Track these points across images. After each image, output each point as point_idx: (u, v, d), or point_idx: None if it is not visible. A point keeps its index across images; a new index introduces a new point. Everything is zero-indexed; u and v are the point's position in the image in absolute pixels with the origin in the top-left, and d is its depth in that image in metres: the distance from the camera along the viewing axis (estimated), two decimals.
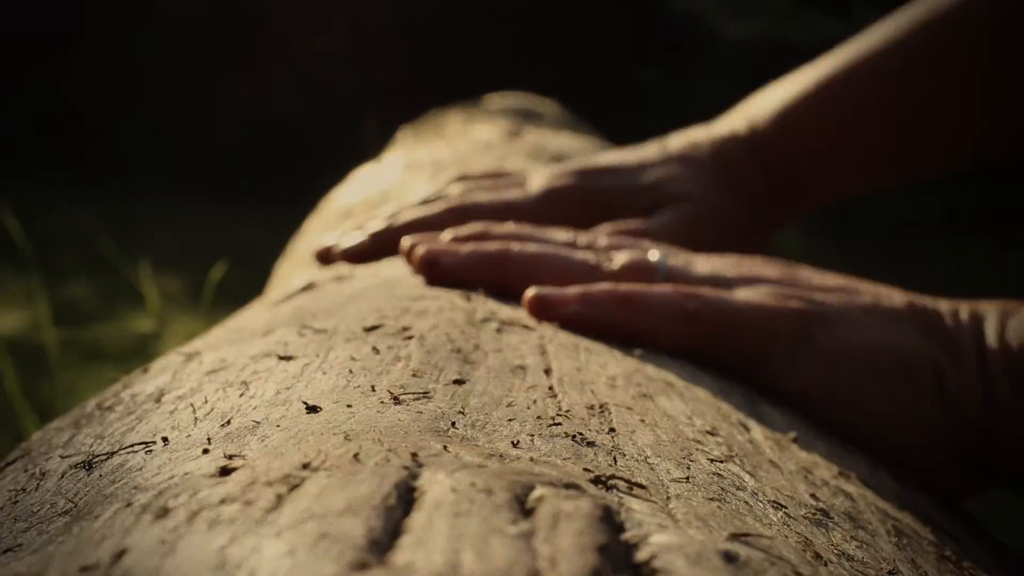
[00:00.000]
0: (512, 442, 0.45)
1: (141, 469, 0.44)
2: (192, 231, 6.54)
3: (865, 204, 7.14)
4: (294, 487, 0.36)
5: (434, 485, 0.36)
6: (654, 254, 0.81)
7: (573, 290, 0.74)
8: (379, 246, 0.91)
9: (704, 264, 0.81)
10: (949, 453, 0.75)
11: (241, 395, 0.53)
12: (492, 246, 0.80)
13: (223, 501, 0.35)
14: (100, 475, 0.46)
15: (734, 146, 1.06)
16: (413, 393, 0.51)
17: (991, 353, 0.74)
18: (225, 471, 0.39)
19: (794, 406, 0.74)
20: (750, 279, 0.79)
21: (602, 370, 0.61)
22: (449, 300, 0.71)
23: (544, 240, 0.84)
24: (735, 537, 0.38)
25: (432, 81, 7.19)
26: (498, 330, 0.66)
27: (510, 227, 0.87)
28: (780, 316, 0.75)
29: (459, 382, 0.54)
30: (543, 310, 0.72)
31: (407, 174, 1.46)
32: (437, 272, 0.78)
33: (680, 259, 0.82)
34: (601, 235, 0.88)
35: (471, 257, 0.79)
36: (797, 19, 7.52)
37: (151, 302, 1.99)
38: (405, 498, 0.35)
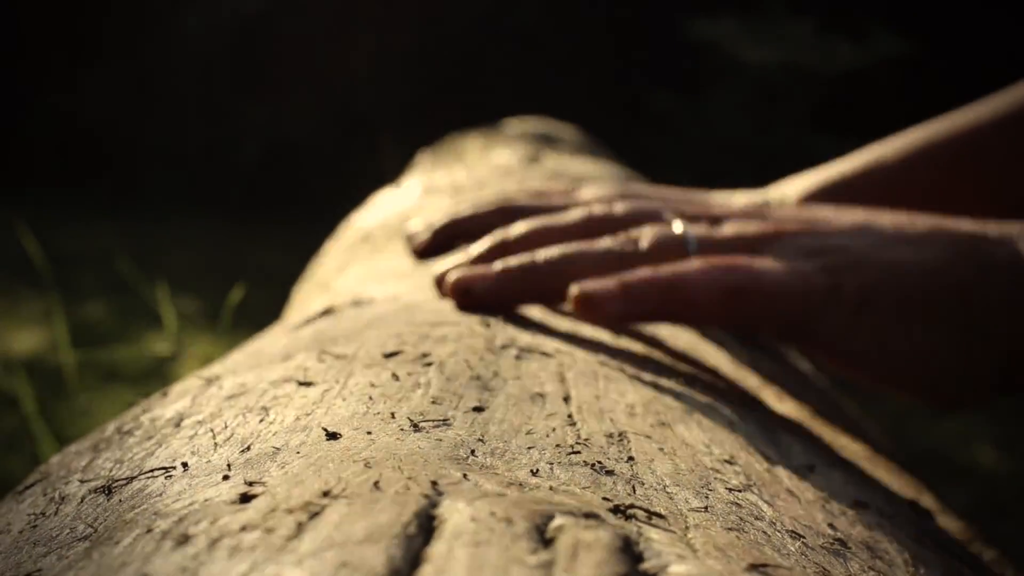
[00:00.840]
0: (531, 470, 0.46)
1: (161, 495, 0.44)
2: (210, 253, 6.55)
3: None
4: (314, 515, 0.36)
5: (454, 514, 0.36)
6: (678, 226, 0.80)
7: (613, 285, 0.73)
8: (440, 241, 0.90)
9: (728, 226, 0.80)
10: (968, 377, 0.75)
11: (261, 421, 0.53)
12: (517, 260, 0.79)
13: (244, 528, 0.35)
14: (120, 500, 0.46)
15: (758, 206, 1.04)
16: (433, 420, 0.51)
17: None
18: (245, 498, 0.39)
19: (829, 365, 0.76)
20: (772, 235, 0.78)
21: (621, 398, 0.61)
22: (468, 326, 0.71)
23: (562, 229, 0.83)
24: (754, 567, 0.38)
25: (451, 105, 7.21)
26: (517, 357, 0.66)
27: (521, 227, 0.85)
28: (810, 277, 0.74)
29: (479, 409, 0.54)
30: (589, 309, 0.73)
31: (426, 198, 1.47)
32: (473, 300, 0.77)
33: (702, 226, 0.80)
34: (616, 204, 0.86)
35: (502, 277, 0.78)
36: (815, 46, 7.52)
37: (168, 323, 1.99)
38: (425, 527, 0.35)
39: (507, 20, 8.29)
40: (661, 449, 0.53)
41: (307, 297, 1.39)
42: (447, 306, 0.79)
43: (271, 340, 0.79)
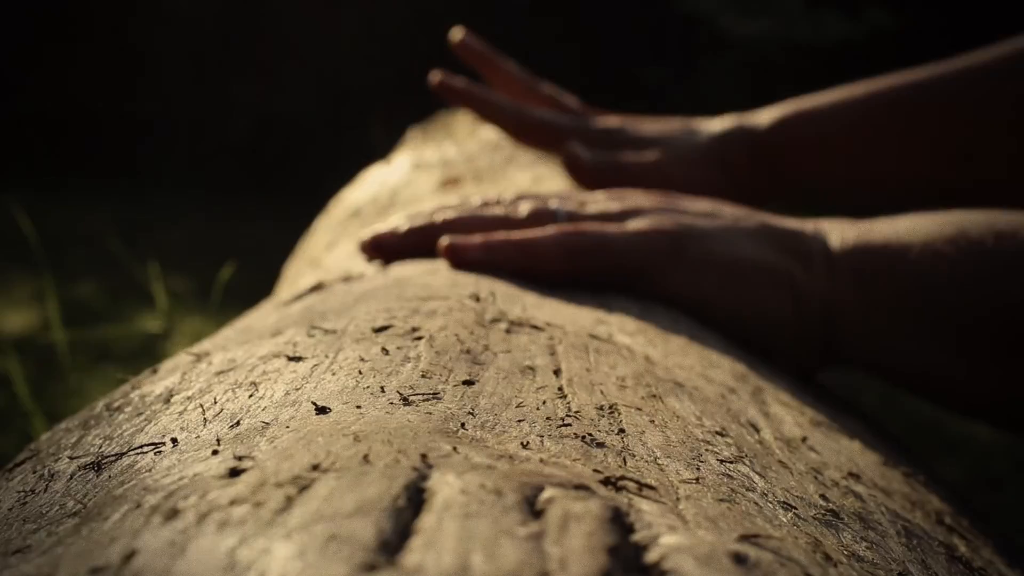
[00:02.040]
0: (522, 443, 0.45)
1: (151, 470, 0.44)
2: (201, 231, 6.54)
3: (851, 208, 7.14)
4: (304, 488, 0.36)
5: (444, 486, 0.36)
6: (553, 202, 0.95)
7: (477, 238, 0.86)
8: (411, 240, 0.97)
9: (594, 205, 0.95)
10: (797, 340, 0.89)
11: (250, 396, 0.53)
12: (420, 222, 0.93)
13: (233, 502, 0.35)
14: (109, 476, 0.46)
15: (733, 127, 1.23)
16: (423, 394, 0.51)
17: (835, 254, 0.90)
18: (235, 472, 0.39)
19: (670, 307, 0.87)
20: (633, 211, 0.92)
21: (611, 370, 0.61)
22: (459, 300, 0.71)
23: (467, 207, 0.97)
24: (745, 538, 0.38)
25: None
26: (507, 331, 0.66)
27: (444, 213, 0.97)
28: (656, 236, 0.89)
29: (469, 383, 0.54)
30: (453, 256, 0.85)
31: (415, 174, 1.46)
32: (381, 251, 0.92)
33: (573, 203, 0.95)
34: (525, 198, 1.00)
35: (407, 234, 0.92)
36: (806, 19, 7.50)
37: (160, 302, 1.99)
38: (415, 499, 0.35)
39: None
40: (652, 421, 0.53)
41: (298, 273, 1.39)
42: (437, 281, 0.79)
43: (261, 316, 0.78)
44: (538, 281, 0.83)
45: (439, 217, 0.93)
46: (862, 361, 0.91)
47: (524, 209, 0.94)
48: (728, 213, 0.94)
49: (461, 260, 0.84)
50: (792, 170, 1.20)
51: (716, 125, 1.24)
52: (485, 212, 0.95)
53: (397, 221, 0.96)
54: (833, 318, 0.89)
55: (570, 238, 0.87)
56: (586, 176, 1.17)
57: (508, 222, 0.93)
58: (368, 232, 0.95)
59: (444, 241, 0.86)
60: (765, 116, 1.22)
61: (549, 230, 0.88)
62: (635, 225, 0.89)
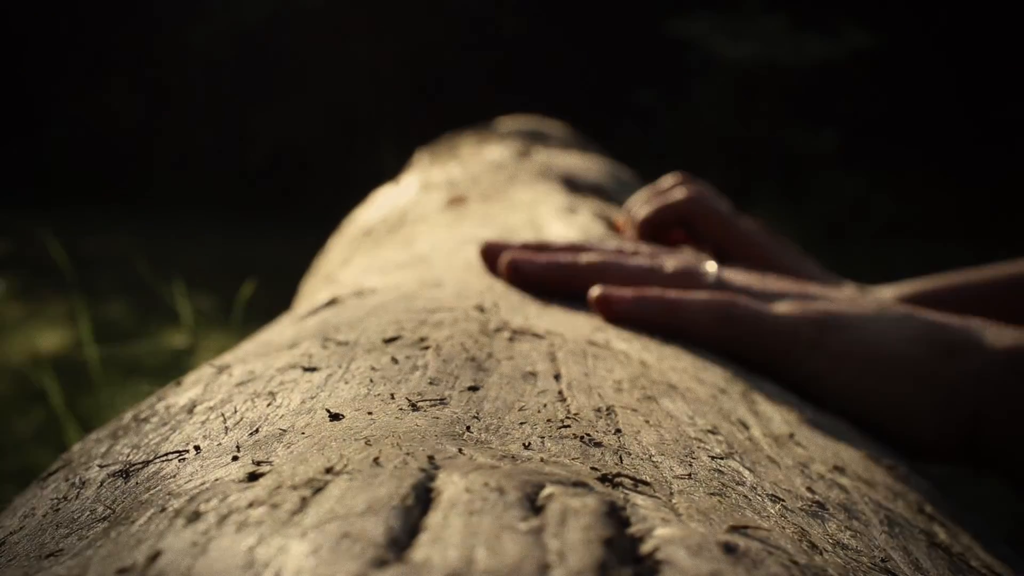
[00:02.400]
0: (524, 444, 0.46)
1: (175, 476, 0.44)
2: (222, 251, 6.55)
3: (859, 210, 7.15)
4: (318, 490, 0.36)
5: (449, 486, 0.36)
6: (704, 266, 0.91)
7: (629, 292, 0.82)
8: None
9: (742, 278, 0.91)
10: (935, 434, 0.84)
11: (268, 405, 0.53)
12: (564, 258, 0.88)
13: (251, 504, 0.35)
14: (136, 483, 0.46)
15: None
16: (430, 400, 0.51)
17: (988, 353, 0.83)
18: (253, 476, 0.39)
19: (809, 396, 0.82)
20: (778, 293, 0.88)
21: (608, 374, 0.61)
22: (464, 311, 0.71)
23: (607, 251, 0.94)
24: (734, 529, 0.38)
25: (446, 105, 7.20)
26: (510, 339, 0.66)
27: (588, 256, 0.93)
28: (800, 323, 0.84)
29: (473, 388, 0.54)
30: (605, 307, 0.81)
31: (423, 194, 1.47)
32: (520, 277, 0.87)
33: (724, 272, 0.91)
34: (664, 249, 0.98)
35: (548, 265, 0.87)
36: (790, 41, 7.51)
37: (185, 319, 1.99)
38: (422, 498, 0.35)
39: (496, 25, 8.29)
40: (647, 421, 0.53)
41: (314, 289, 1.39)
42: (444, 294, 0.79)
43: (278, 330, 0.79)
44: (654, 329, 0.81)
45: (584, 259, 0.89)
46: (1004, 467, 0.85)
47: (670, 266, 0.91)
48: (871, 303, 0.90)
49: (612, 312, 0.81)
50: None
51: (847, 290, 1.21)
52: (629, 261, 0.91)
53: (528, 241, 0.94)
54: (979, 420, 0.83)
55: (724, 308, 0.83)
56: None
57: (653, 275, 0.89)
58: (504, 251, 0.91)
59: (596, 291, 0.82)
60: (888, 292, 1.16)
61: (701, 295, 0.84)
62: (784, 308, 0.86)
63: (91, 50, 8.33)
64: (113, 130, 8.29)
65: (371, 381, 0.55)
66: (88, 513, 0.45)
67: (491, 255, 0.92)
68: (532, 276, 0.87)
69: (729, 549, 0.34)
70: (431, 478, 0.37)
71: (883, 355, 0.84)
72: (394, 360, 0.58)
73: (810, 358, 0.83)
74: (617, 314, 0.81)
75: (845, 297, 0.90)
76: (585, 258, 0.89)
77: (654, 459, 0.47)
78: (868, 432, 0.82)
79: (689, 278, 0.89)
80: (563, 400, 0.54)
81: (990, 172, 7.39)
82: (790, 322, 0.84)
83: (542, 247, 0.94)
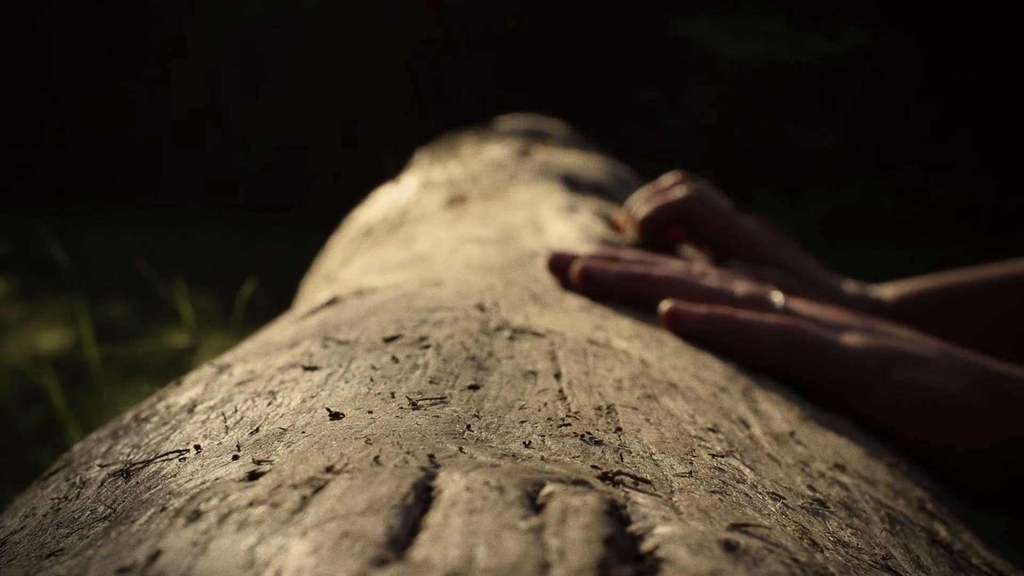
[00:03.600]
0: (524, 442, 0.46)
1: (175, 476, 0.44)
2: (223, 251, 6.55)
3: (859, 209, 7.15)
4: (318, 489, 0.36)
5: (450, 484, 0.36)
6: (773, 294, 0.93)
7: (700, 309, 0.84)
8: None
9: (808, 307, 0.93)
10: (989, 481, 0.85)
11: (269, 404, 0.53)
12: (637, 269, 0.91)
13: (252, 504, 0.35)
14: (137, 482, 0.46)
15: (868, 301, 1.18)
16: (430, 399, 0.51)
17: None
18: (253, 475, 0.39)
19: (869, 428, 0.83)
20: (843, 325, 0.89)
21: (609, 373, 0.61)
22: (464, 311, 0.71)
23: (677, 268, 0.95)
24: (735, 527, 0.38)
25: (446, 105, 7.21)
26: (510, 338, 0.66)
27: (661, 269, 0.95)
28: (865, 356, 0.85)
29: (474, 387, 0.54)
30: (675, 321, 0.83)
31: (423, 193, 1.47)
32: (591, 285, 0.89)
33: (791, 301, 0.93)
34: (732, 274, 1.00)
35: (621, 275, 0.89)
36: (789, 41, 7.51)
37: (185, 319, 1.99)
38: (423, 497, 0.35)
39: (497, 24, 8.29)
40: (647, 420, 0.53)
41: (314, 289, 1.39)
42: (444, 293, 0.79)
43: (279, 330, 0.79)
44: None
45: (657, 272, 0.91)
46: None
47: (740, 290, 0.93)
48: (933, 345, 0.90)
49: (681, 326, 0.83)
50: None
51: (850, 288, 1.22)
52: (700, 281, 0.93)
53: (601, 251, 0.96)
54: None
55: (793, 333, 0.85)
56: None
57: (722, 297, 0.91)
58: (575, 259, 0.93)
59: (667, 305, 0.84)
60: (888, 291, 1.21)
61: (771, 319, 0.86)
62: (850, 339, 0.87)
63: (91, 50, 8.33)
64: (113, 130, 8.29)
65: (371, 380, 0.55)
66: (89, 513, 0.45)
67: (558, 264, 0.93)
68: (605, 284, 0.89)
69: (730, 547, 0.34)
70: (431, 477, 0.37)
71: (944, 399, 0.84)
72: (394, 359, 0.58)
73: (872, 392, 0.84)
74: (686, 329, 0.83)
75: (908, 336, 0.90)
76: (658, 272, 0.91)
77: (654, 457, 0.47)
78: (928, 471, 0.82)
79: (757, 303, 0.91)
80: (563, 399, 0.54)
81: (992, 171, 7.39)
82: (855, 354, 0.85)
83: (613, 257, 0.96)
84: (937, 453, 0.84)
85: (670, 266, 0.95)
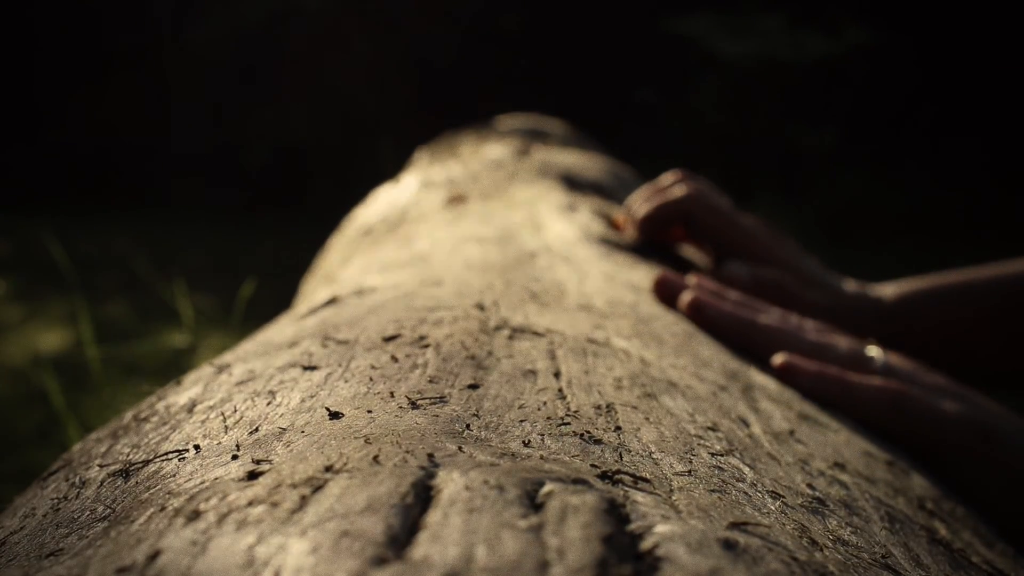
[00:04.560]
0: (523, 442, 0.45)
1: (175, 475, 0.44)
2: (222, 251, 6.55)
3: (859, 207, 7.14)
4: (317, 488, 0.36)
5: (449, 483, 0.36)
6: (872, 350, 0.96)
7: (812, 366, 0.87)
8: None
9: (904, 364, 0.96)
10: None
11: (268, 404, 0.53)
12: (746, 313, 0.94)
13: (251, 503, 0.35)
14: (136, 482, 0.46)
15: (868, 299, 1.21)
16: (430, 398, 0.51)
17: None
18: (253, 475, 0.39)
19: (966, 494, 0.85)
20: (939, 388, 0.92)
21: (608, 372, 0.61)
22: (464, 310, 0.71)
23: (776, 315, 0.99)
24: (734, 526, 0.38)
25: (447, 104, 7.21)
26: (510, 337, 0.66)
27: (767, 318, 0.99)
28: (966, 430, 0.88)
29: (473, 387, 0.54)
30: (787, 374, 0.86)
31: (423, 193, 1.47)
32: (701, 317, 0.92)
33: (890, 358, 0.96)
34: (828, 327, 1.03)
35: (730, 314, 0.93)
36: (788, 40, 7.51)
37: (185, 319, 1.99)
38: (422, 496, 0.35)
39: (496, 23, 8.29)
40: (647, 419, 0.53)
41: (314, 289, 1.39)
42: (443, 292, 0.79)
43: (278, 329, 0.79)
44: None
45: (762, 320, 0.95)
46: None
47: (843, 347, 0.96)
48: (1018, 421, 0.93)
49: (794, 380, 0.85)
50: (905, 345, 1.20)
51: (849, 286, 1.25)
52: (803, 333, 0.96)
53: (703, 281, 1.00)
54: None
55: (900, 398, 0.87)
56: None
57: (826, 352, 0.94)
58: (683, 288, 0.96)
59: (782, 358, 0.87)
60: (889, 290, 1.23)
61: (876, 381, 0.88)
62: (950, 408, 0.89)
63: (91, 50, 8.33)
64: (112, 130, 8.29)
65: (371, 380, 0.55)
66: (88, 513, 0.45)
67: (665, 288, 0.97)
68: (714, 321, 0.92)
69: (729, 546, 0.34)
70: (431, 476, 0.37)
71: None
72: (394, 359, 0.58)
73: (970, 464, 0.87)
74: (798, 383, 0.85)
75: (997, 409, 0.92)
76: (763, 320, 0.95)
77: (654, 456, 0.47)
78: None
79: (858, 360, 0.94)
80: (563, 398, 0.54)
81: (992, 170, 7.39)
82: (954, 425, 0.88)
83: (717, 292, 0.99)
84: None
85: (772, 314, 0.98)
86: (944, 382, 0.95)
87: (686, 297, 0.94)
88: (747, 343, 0.92)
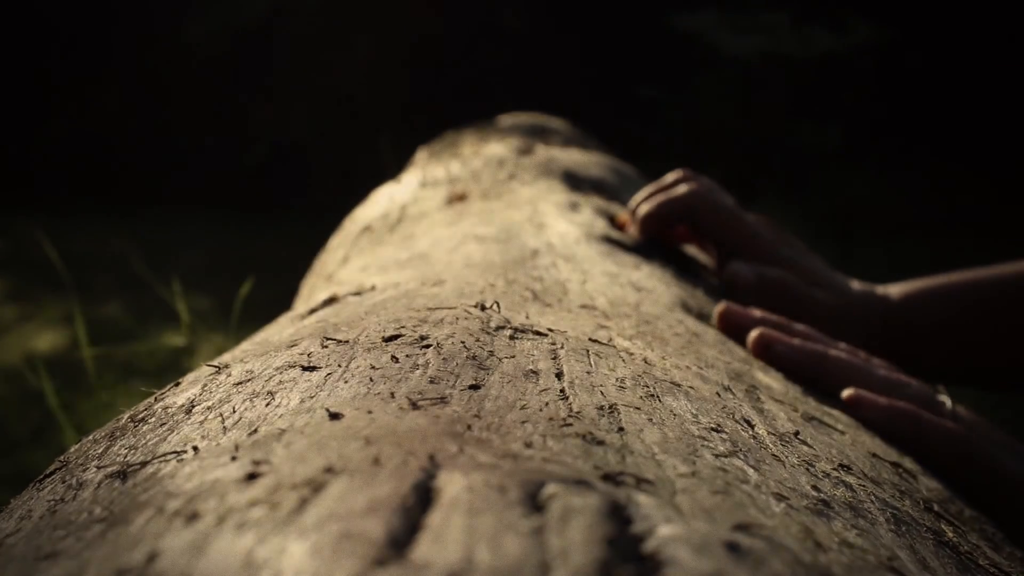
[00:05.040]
0: (525, 443, 0.46)
1: (173, 477, 0.44)
2: (220, 251, 6.55)
3: (865, 206, 7.14)
4: (317, 490, 0.36)
5: (450, 485, 0.36)
6: (946, 398, 0.97)
7: (883, 400, 0.88)
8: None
9: (971, 415, 0.98)
10: None
11: (267, 404, 0.53)
12: (814, 347, 0.95)
13: (250, 505, 0.35)
14: (134, 484, 0.46)
15: (875, 299, 1.23)
16: (431, 399, 0.51)
17: None
18: (252, 476, 0.39)
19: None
20: (1001, 443, 0.93)
21: (611, 372, 0.61)
22: (465, 309, 0.71)
23: (855, 354, 1.00)
24: (738, 528, 0.38)
25: (447, 103, 7.21)
26: (512, 337, 0.66)
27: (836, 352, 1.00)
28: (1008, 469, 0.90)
29: (475, 387, 0.54)
30: (858, 406, 0.87)
31: (423, 191, 1.47)
32: (769, 353, 0.93)
33: (957, 407, 0.98)
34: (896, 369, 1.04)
35: (799, 349, 0.93)
36: (793, 35, 7.50)
37: (183, 319, 1.99)
38: (423, 497, 0.35)
39: (497, 20, 8.28)
40: (650, 420, 0.53)
41: (314, 288, 1.39)
42: (444, 292, 0.79)
43: (277, 329, 0.79)
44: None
45: (832, 354, 0.95)
46: None
47: (913, 386, 0.97)
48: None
49: (864, 413, 0.86)
50: (910, 344, 1.23)
51: (855, 286, 1.26)
52: (872, 368, 0.97)
53: (767, 316, 1.00)
54: None
55: (969, 447, 0.89)
56: None
57: (897, 387, 0.95)
58: (751, 323, 0.97)
59: (851, 392, 0.88)
60: (895, 291, 1.24)
61: (948, 424, 0.89)
62: (1017, 468, 0.91)
63: (86, 47, 8.33)
64: (109, 128, 8.29)
65: (371, 380, 0.55)
66: (86, 515, 0.45)
67: (731, 320, 0.98)
68: (782, 356, 0.93)
69: (733, 548, 0.34)
70: (432, 477, 0.37)
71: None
72: (394, 359, 0.59)
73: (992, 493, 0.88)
74: (868, 416, 0.86)
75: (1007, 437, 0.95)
76: (833, 354, 0.95)
77: (657, 457, 0.47)
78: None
79: (928, 402, 0.95)
80: (565, 398, 0.54)
81: (999, 169, 7.38)
82: (1019, 488, 0.89)
83: (783, 324, 1.00)
84: None
85: (840, 348, 0.99)
86: (1009, 439, 0.96)
87: (753, 333, 0.95)
88: (817, 376, 0.92)
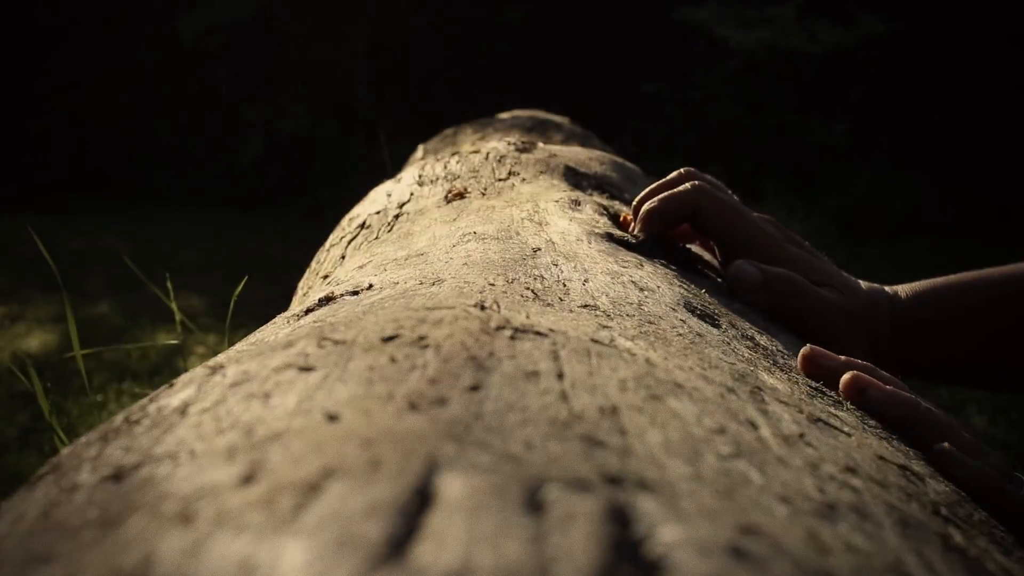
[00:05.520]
0: (526, 444, 0.46)
1: (168, 479, 0.44)
2: (215, 249, 6.55)
3: (872, 204, 7.14)
4: (315, 492, 0.36)
5: (450, 487, 0.36)
6: (1021, 475, 0.96)
7: (970, 461, 0.87)
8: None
9: None
10: None
11: (263, 406, 0.53)
12: (908, 396, 0.95)
13: (247, 507, 0.35)
14: (129, 486, 0.46)
15: (883, 298, 1.23)
16: (430, 400, 0.51)
17: None
18: (248, 479, 0.39)
19: None
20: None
21: (613, 373, 0.61)
22: (464, 309, 0.72)
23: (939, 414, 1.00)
24: (742, 531, 0.38)
25: (447, 98, 7.21)
26: (512, 337, 0.66)
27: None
28: None
29: (474, 388, 0.54)
30: (947, 462, 0.86)
31: (421, 188, 1.47)
32: (862, 398, 0.92)
33: None
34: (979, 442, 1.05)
35: (892, 397, 0.93)
36: (800, 28, 7.50)
37: (176, 319, 1.99)
38: (422, 499, 0.35)
39: (499, 15, 8.28)
40: (652, 421, 0.53)
41: (310, 288, 1.39)
42: (443, 291, 0.79)
43: (273, 329, 0.79)
44: None
45: (923, 406, 0.95)
46: None
47: (995, 456, 0.96)
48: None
49: (949, 469, 0.86)
50: (918, 343, 1.23)
51: (863, 285, 1.26)
52: (960, 429, 0.96)
53: (852, 362, 1.00)
54: None
55: None
56: None
57: (978, 454, 0.95)
58: (840, 366, 0.98)
59: (947, 448, 0.88)
60: (904, 289, 1.24)
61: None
62: None
63: (79, 44, 8.33)
64: (102, 125, 8.29)
65: (369, 381, 0.55)
66: (79, 517, 0.45)
67: (814, 364, 0.97)
68: (875, 401, 0.92)
69: (735, 551, 0.34)
70: (431, 479, 0.37)
71: None
72: (392, 359, 0.59)
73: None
74: (955, 473, 0.86)
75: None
76: (924, 405, 0.95)
77: (659, 460, 0.47)
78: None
79: (1007, 476, 0.95)
80: (566, 400, 0.54)
81: (1008, 165, 7.38)
82: None
83: (870, 369, 1.00)
84: None
85: (926, 401, 1.00)
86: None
87: (847, 376, 0.95)
88: (904, 425, 0.93)
